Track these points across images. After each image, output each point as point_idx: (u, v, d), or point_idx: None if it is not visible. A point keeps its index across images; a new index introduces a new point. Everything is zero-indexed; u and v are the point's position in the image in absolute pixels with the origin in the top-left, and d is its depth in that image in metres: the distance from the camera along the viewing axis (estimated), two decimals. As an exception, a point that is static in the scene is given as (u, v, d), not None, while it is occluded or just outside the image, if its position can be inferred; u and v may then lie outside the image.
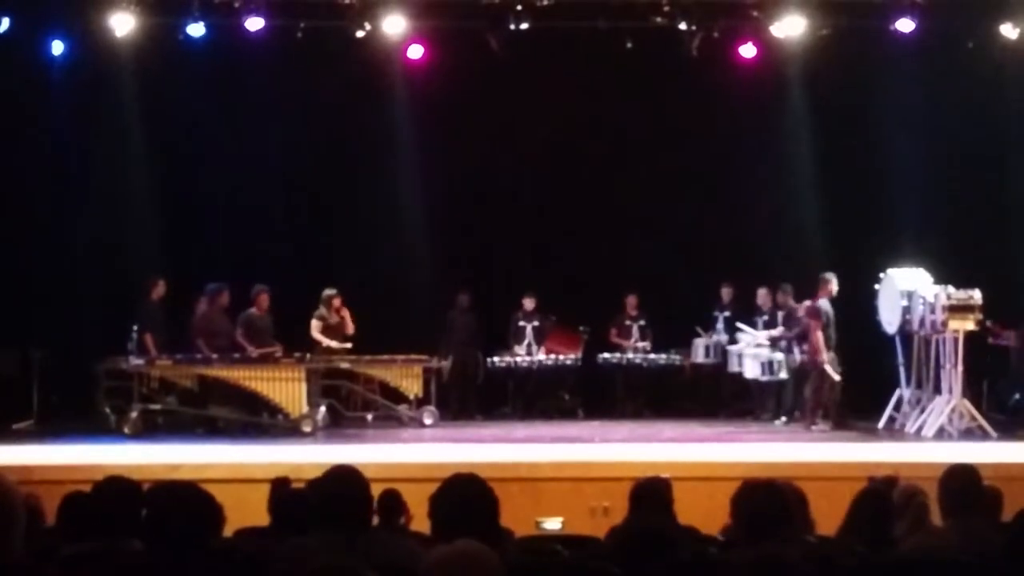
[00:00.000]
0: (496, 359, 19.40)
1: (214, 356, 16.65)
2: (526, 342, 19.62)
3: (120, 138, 19.41)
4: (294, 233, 19.75)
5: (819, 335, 16.76)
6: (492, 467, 11.53)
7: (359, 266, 19.24)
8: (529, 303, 19.67)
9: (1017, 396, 16.92)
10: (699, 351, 19.48)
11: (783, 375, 18.14)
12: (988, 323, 16.81)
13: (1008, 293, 16.78)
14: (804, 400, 17.15)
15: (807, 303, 18.01)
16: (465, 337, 19.34)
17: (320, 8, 17.41)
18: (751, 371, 18.54)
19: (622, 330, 20.01)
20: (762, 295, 18.84)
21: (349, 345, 17.93)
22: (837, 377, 16.79)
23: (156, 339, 17.09)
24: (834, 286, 17.05)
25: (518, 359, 19.44)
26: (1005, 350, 17.06)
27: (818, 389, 16.88)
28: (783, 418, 18.05)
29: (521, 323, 19.69)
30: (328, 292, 17.96)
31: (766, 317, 18.77)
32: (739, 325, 18.96)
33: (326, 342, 17.69)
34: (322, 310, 17.90)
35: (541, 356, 19.48)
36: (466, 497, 5.52)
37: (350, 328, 18.03)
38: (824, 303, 16.96)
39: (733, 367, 18.94)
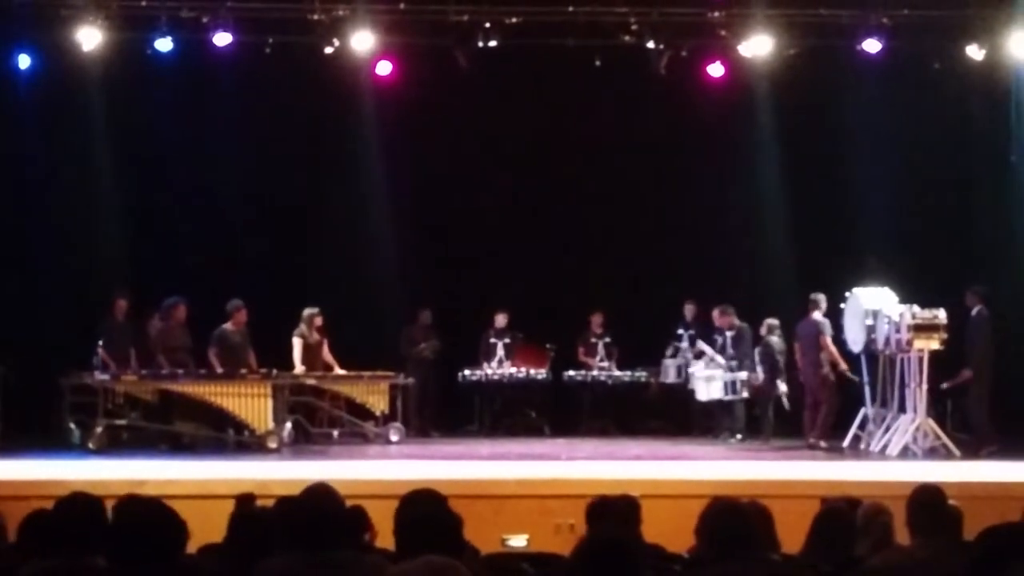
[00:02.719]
0: (467, 372, 19.43)
1: (179, 371, 16.60)
2: (496, 358, 19.64)
3: (87, 153, 19.36)
4: (261, 249, 19.69)
5: (832, 347, 16.85)
6: (458, 484, 11.51)
7: (326, 281, 19.23)
8: (501, 319, 19.72)
9: (974, 421, 16.94)
10: (669, 371, 19.53)
11: (745, 394, 18.18)
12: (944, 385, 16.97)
13: (966, 313, 16.83)
14: (809, 419, 17.13)
15: (769, 321, 18.14)
16: (420, 350, 19.31)
17: (288, 24, 17.41)
18: (703, 394, 18.59)
19: (588, 348, 20.06)
20: (715, 316, 18.81)
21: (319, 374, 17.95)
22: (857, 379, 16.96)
23: (116, 355, 17.06)
24: (823, 305, 17.13)
25: (488, 372, 19.47)
26: (964, 365, 17.04)
27: (830, 408, 16.92)
28: (738, 436, 18.08)
29: (492, 340, 19.73)
30: (309, 311, 17.91)
31: (723, 337, 18.75)
32: (701, 347, 19.02)
33: (299, 369, 17.63)
34: (302, 328, 17.85)
35: (512, 370, 19.51)
36: (428, 513, 5.53)
37: (327, 354, 18.06)
38: (822, 318, 17.04)
39: (691, 387, 19.00)
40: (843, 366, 16.96)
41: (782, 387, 17.91)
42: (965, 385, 16.82)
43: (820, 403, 16.95)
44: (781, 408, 18.01)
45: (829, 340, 16.94)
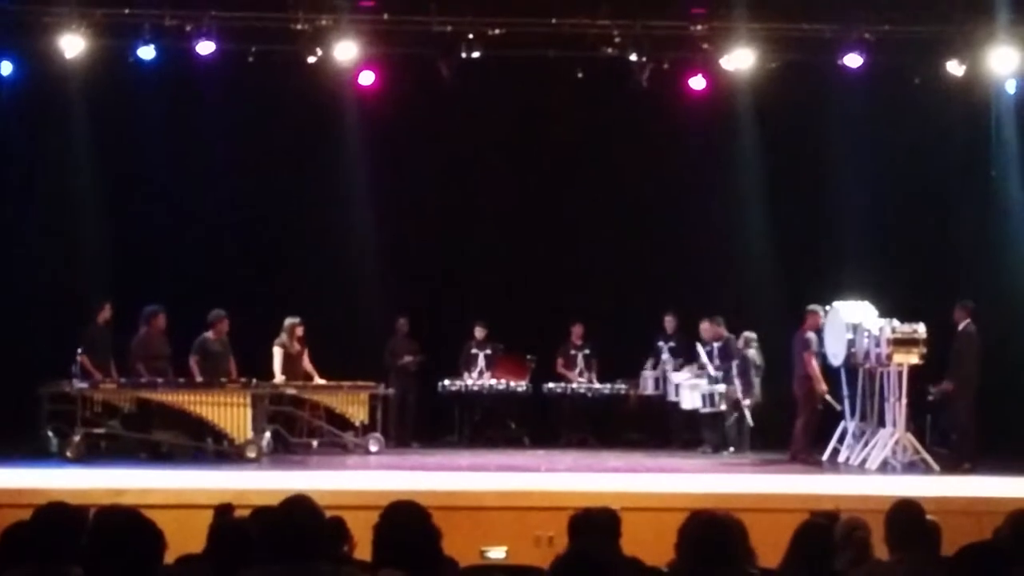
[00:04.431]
0: (447, 382, 19.42)
1: (159, 380, 16.56)
2: (477, 369, 19.64)
3: (69, 160, 19.28)
4: (243, 257, 19.66)
5: (815, 365, 16.88)
6: (437, 495, 11.52)
7: (308, 291, 19.19)
8: (480, 331, 19.71)
9: (954, 436, 16.95)
10: (648, 383, 19.53)
11: (723, 407, 18.21)
12: (930, 388, 16.96)
13: (952, 327, 16.86)
14: (795, 434, 17.15)
15: (747, 334, 18.17)
16: (405, 363, 19.31)
17: (272, 33, 17.40)
18: (688, 402, 18.62)
19: (567, 360, 20.06)
20: (705, 328, 18.84)
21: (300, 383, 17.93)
22: (839, 407, 16.95)
23: (96, 363, 16.98)
24: (821, 318, 17.14)
25: (468, 383, 19.47)
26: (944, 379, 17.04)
27: (808, 422, 16.96)
28: (731, 448, 18.12)
29: (473, 351, 19.72)
30: (291, 320, 17.90)
31: (709, 348, 18.78)
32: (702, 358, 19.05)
33: (279, 379, 17.63)
34: (283, 337, 17.84)
35: (492, 381, 19.51)
36: (406, 525, 5.52)
37: (307, 364, 18.05)
38: (811, 334, 17.06)
39: (671, 396, 19.01)
40: (822, 388, 16.94)
41: (745, 401, 17.99)
42: (946, 395, 16.77)
43: (808, 419, 16.98)
44: (767, 420, 18.03)
45: (813, 358, 16.94)
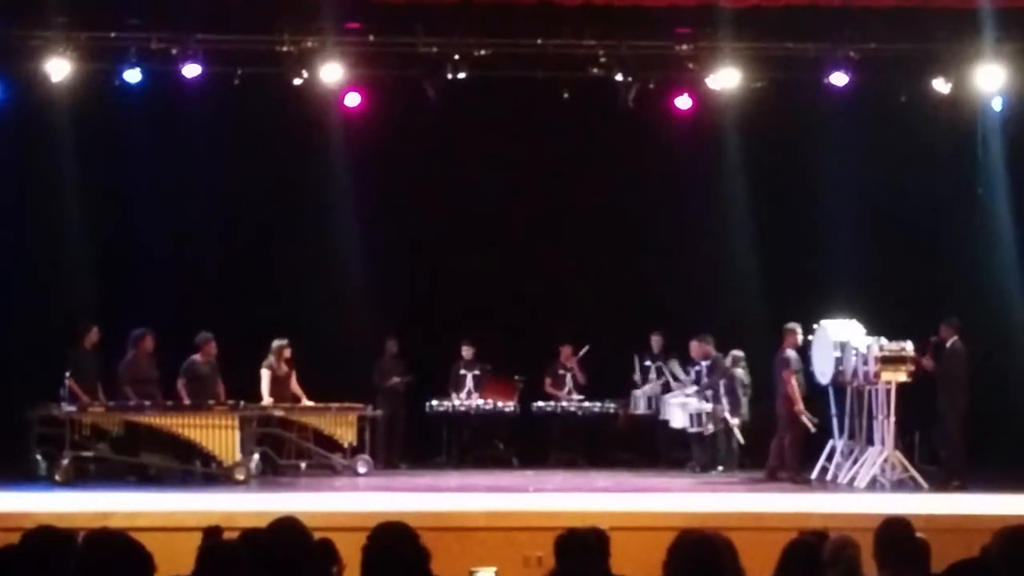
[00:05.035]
0: (435, 402, 19.39)
1: (147, 403, 16.55)
2: (466, 389, 19.61)
3: (55, 183, 19.23)
4: (231, 279, 19.63)
5: (793, 384, 16.89)
6: (426, 516, 11.52)
7: (294, 312, 19.16)
8: (467, 351, 19.69)
9: (943, 454, 16.96)
10: (639, 402, 19.51)
11: (711, 427, 18.22)
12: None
13: (940, 345, 16.87)
14: (778, 452, 17.15)
15: (734, 352, 18.17)
16: (394, 384, 19.30)
17: (257, 56, 17.38)
18: (678, 421, 18.63)
19: (556, 380, 20.04)
20: (694, 347, 18.87)
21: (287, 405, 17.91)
22: (813, 428, 16.95)
23: (84, 386, 16.92)
24: (799, 336, 17.17)
25: (456, 404, 19.43)
26: (933, 397, 16.98)
27: (795, 440, 16.98)
28: (719, 467, 18.13)
29: (462, 371, 19.69)
30: (278, 342, 17.90)
31: (698, 367, 18.82)
32: (674, 373, 19.07)
33: (267, 401, 17.61)
34: (271, 360, 17.84)
35: (480, 402, 19.48)
36: (394, 547, 5.52)
37: (295, 386, 18.04)
38: (791, 352, 17.08)
39: (663, 415, 19.03)
40: (798, 407, 16.95)
41: (733, 420, 18.02)
42: (920, 370, 16.67)
43: (794, 438, 16.99)
44: (756, 439, 18.04)
45: (792, 378, 16.96)
